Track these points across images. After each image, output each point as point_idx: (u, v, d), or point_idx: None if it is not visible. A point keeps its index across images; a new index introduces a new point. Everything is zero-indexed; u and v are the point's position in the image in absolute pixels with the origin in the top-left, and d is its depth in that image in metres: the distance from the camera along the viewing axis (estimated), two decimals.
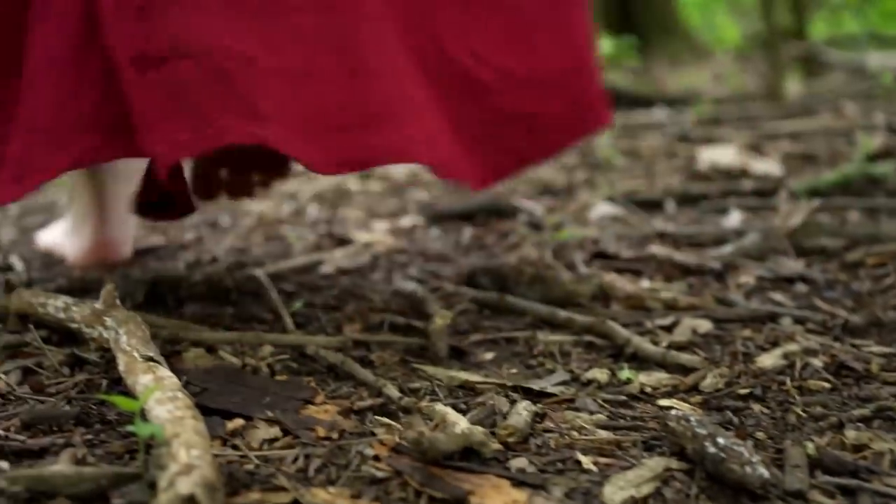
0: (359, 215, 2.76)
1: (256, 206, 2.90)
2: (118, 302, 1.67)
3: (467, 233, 2.50)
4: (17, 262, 2.31)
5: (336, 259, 2.28)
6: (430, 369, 1.64)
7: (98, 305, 1.66)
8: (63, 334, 1.77)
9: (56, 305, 1.72)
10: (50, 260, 2.38)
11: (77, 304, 1.69)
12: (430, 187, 3.10)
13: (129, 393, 1.44)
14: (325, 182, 3.23)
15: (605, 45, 5.63)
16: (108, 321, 1.63)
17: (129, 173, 2.33)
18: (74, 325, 1.69)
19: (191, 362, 1.66)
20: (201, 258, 2.33)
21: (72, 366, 1.66)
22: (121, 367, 1.51)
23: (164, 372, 1.42)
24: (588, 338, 1.76)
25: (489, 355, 1.71)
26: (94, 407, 1.48)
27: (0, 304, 1.87)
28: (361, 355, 1.72)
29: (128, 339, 1.57)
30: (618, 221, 2.56)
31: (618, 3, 6.30)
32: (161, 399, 1.28)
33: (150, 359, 1.49)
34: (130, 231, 2.35)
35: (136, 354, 1.51)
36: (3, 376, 1.61)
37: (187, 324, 1.85)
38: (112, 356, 1.61)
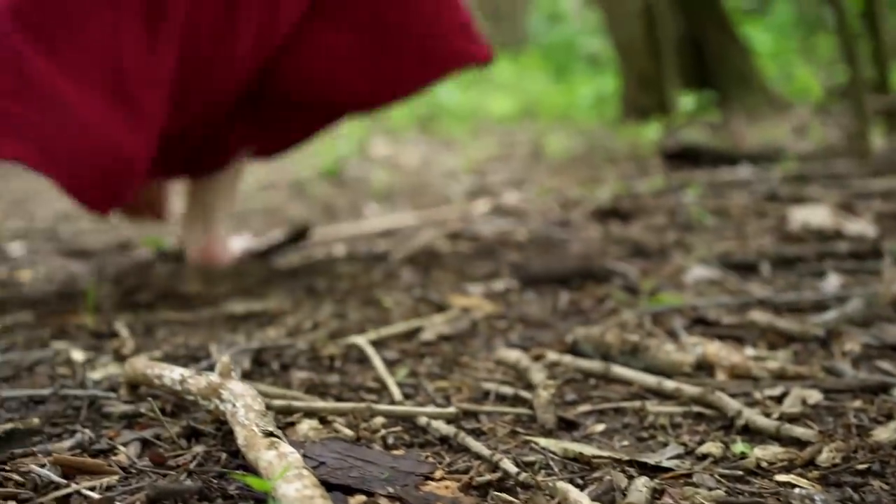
0: (451, 278, 2.78)
1: (349, 269, 2.93)
2: (234, 374, 1.69)
3: (563, 297, 2.50)
4: (122, 329, 2.35)
5: (436, 325, 2.30)
6: (542, 441, 1.65)
7: (214, 378, 1.69)
8: (175, 403, 1.80)
9: (172, 377, 1.75)
10: (152, 322, 2.42)
11: (193, 377, 1.72)
12: (520, 248, 3.12)
13: (249, 468, 1.47)
14: (415, 243, 3.26)
15: (685, 101, 5.63)
16: (225, 394, 1.66)
17: (227, 190, 3.15)
18: (191, 397, 1.72)
19: (305, 434, 1.68)
20: (302, 325, 2.36)
21: (188, 437, 1.68)
22: (240, 441, 1.54)
23: (286, 448, 1.44)
24: (697, 409, 1.76)
25: (599, 427, 1.72)
26: (214, 481, 1.50)
27: (111, 373, 1.91)
28: (472, 427, 1.73)
29: (245, 413, 1.59)
30: (714, 285, 2.55)
31: (694, 58, 6.30)
32: (288, 477, 1.30)
33: (271, 434, 1.51)
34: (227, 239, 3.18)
35: (255, 429, 1.53)
36: (122, 448, 1.64)
37: (298, 394, 1.87)
38: (228, 428, 1.64)
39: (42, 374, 2.06)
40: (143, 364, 1.84)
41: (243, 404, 1.61)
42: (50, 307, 2.61)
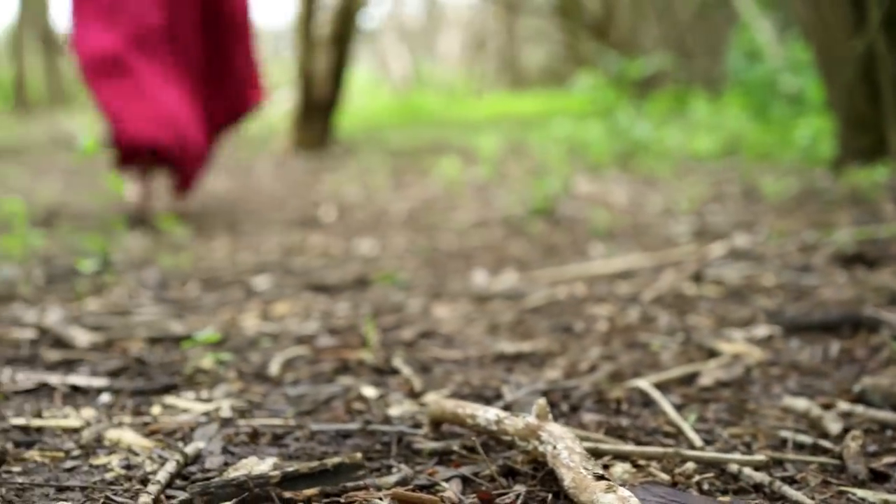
0: (709, 323, 2.78)
1: (604, 311, 2.96)
2: (550, 416, 1.74)
3: (833, 346, 2.48)
4: (402, 366, 2.42)
5: (711, 371, 2.31)
6: (858, 492, 1.64)
7: (531, 419, 1.73)
8: (483, 443, 1.85)
9: (487, 418, 1.80)
10: (423, 360, 2.49)
11: (510, 418, 1.77)
12: (769, 294, 3.10)
13: None
14: (660, 285, 3.27)
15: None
16: (544, 435, 1.70)
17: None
18: (507, 438, 1.76)
19: (621, 478, 1.71)
20: (577, 366, 2.39)
21: (505, 476, 1.73)
22: (566, 483, 1.58)
23: (624, 492, 1.48)
24: None
25: None
26: None
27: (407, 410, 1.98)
28: (781, 475, 1.73)
29: (569, 455, 1.63)
30: None
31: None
32: None
33: (602, 477, 1.54)
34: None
35: (583, 471, 1.57)
36: (445, 484, 1.70)
37: (599, 436, 1.90)
38: (548, 469, 1.68)
39: (338, 409, 2.14)
40: (452, 403, 1.90)
41: (564, 446, 1.66)
42: (319, 342, 2.71)
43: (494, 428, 1.79)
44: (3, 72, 19.22)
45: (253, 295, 3.46)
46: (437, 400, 1.96)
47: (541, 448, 1.70)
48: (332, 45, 9.10)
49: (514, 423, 1.76)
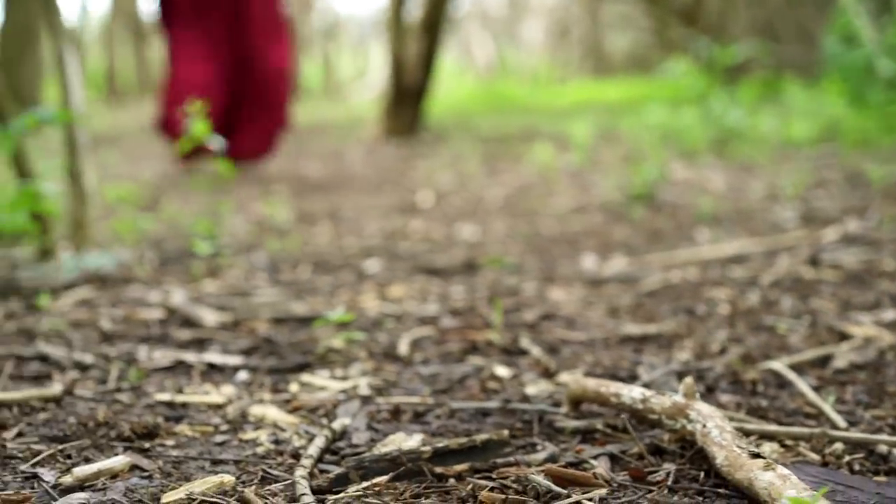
0: (832, 306, 2.76)
1: (723, 295, 2.95)
2: (698, 395, 1.74)
3: None
4: (531, 346, 2.44)
5: (844, 353, 2.29)
6: None
7: (679, 398, 1.74)
8: (624, 420, 1.86)
9: (632, 396, 1.81)
10: (548, 341, 2.51)
11: (656, 396, 1.77)
12: (892, 277, 3.06)
13: (728, 487, 1.52)
14: (777, 269, 3.25)
15: None
16: (693, 414, 1.71)
17: None
18: (654, 416, 1.77)
19: (769, 457, 1.70)
20: (707, 348, 2.39)
21: (652, 454, 1.74)
22: (718, 461, 1.58)
23: (783, 469, 1.48)
24: None
25: None
26: (697, 498, 1.55)
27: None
28: None
29: (720, 433, 1.63)
30: None
31: None
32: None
33: (757, 455, 1.54)
34: None
35: (737, 450, 1.57)
36: (593, 462, 1.71)
37: (741, 416, 1.90)
38: (696, 448, 1.68)
39: (473, 388, 2.16)
40: (593, 382, 1.91)
41: (714, 425, 1.66)
42: (442, 323, 2.73)
43: (640, 407, 1.79)
44: (95, 62, 19.57)
45: (365, 278, 3.49)
46: (577, 379, 1.97)
47: (689, 427, 1.70)
48: (423, 32, 9.13)
49: (661, 401, 1.76)
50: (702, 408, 1.71)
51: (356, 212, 5.37)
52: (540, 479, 1.58)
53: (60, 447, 1.81)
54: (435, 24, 9.19)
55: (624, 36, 19.05)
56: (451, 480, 1.65)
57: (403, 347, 2.47)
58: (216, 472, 1.71)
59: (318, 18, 20.90)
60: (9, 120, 3.56)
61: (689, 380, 1.75)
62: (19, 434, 1.90)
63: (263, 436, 1.89)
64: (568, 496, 1.54)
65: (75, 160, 3.93)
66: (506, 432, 1.75)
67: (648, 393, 1.79)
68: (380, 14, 19.25)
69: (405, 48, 9.24)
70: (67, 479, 1.66)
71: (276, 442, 1.87)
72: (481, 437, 1.73)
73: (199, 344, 2.57)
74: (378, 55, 19.44)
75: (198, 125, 3.87)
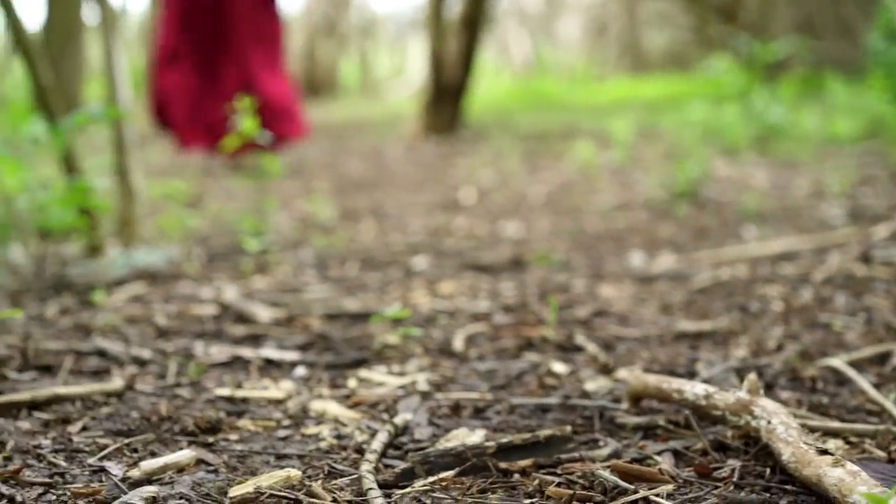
0: (886, 304, 2.74)
1: (775, 292, 2.94)
2: (762, 391, 1.74)
3: None
4: (586, 343, 2.44)
5: None
6: None
7: (742, 395, 1.73)
8: (687, 417, 1.86)
9: (695, 392, 1.81)
10: (601, 337, 2.50)
11: (720, 393, 1.77)
12: None
13: (795, 483, 1.51)
14: (828, 266, 3.23)
15: None
16: (757, 410, 1.70)
17: None
18: (717, 412, 1.77)
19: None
20: (764, 345, 2.38)
21: (716, 450, 1.73)
22: (784, 457, 1.58)
23: (853, 466, 1.47)
24: None
25: None
26: (764, 494, 1.54)
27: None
28: None
29: (785, 430, 1.63)
30: None
31: None
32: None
33: (825, 451, 1.54)
34: None
35: (803, 446, 1.57)
36: (657, 458, 1.71)
37: (803, 412, 1.90)
38: (761, 444, 1.68)
39: (531, 384, 2.16)
40: (654, 378, 1.91)
41: (780, 421, 1.66)
42: (495, 319, 2.74)
43: (703, 403, 1.79)
44: (133, 60, 19.65)
45: (413, 274, 3.50)
46: (637, 375, 1.97)
47: (754, 423, 1.70)
48: (462, 28, 9.12)
49: (725, 397, 1.76)
50: (766, 404, 1.70)
51: (399, 209, 5.38)
52: (606, 474, 1.58)
53: (126, 441, 1.82)
54: (475, 20, 9.18)
55: (661, 33, 18.97)
56: (516, 476, 1.65)
57: (458, 343, 2.47)
58: (281, 467, 1.72)
59: (356, 16, 20.93)
60: (58, 118, 3.59)
61: (752, 376, 1.74)
62: (84, 428, 1.92)
63: (325, 431, 1.90)
64: (635, 492, 1.54)
65: (123, 157, 3.96)
66: (568, 428, 1.75)
67: (711, 389, 1.79)
68: (417, 12, 19.28)
69: (445, 45, 9.25)
70: (135, 473, 1.68)
71: (339, 437, 1.88)
72: (544, 432, 1.73)
73: (254, 340, 2.58)
74: (415, 53, 19.47)
75: (246, 122, 3.89)
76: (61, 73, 11.45)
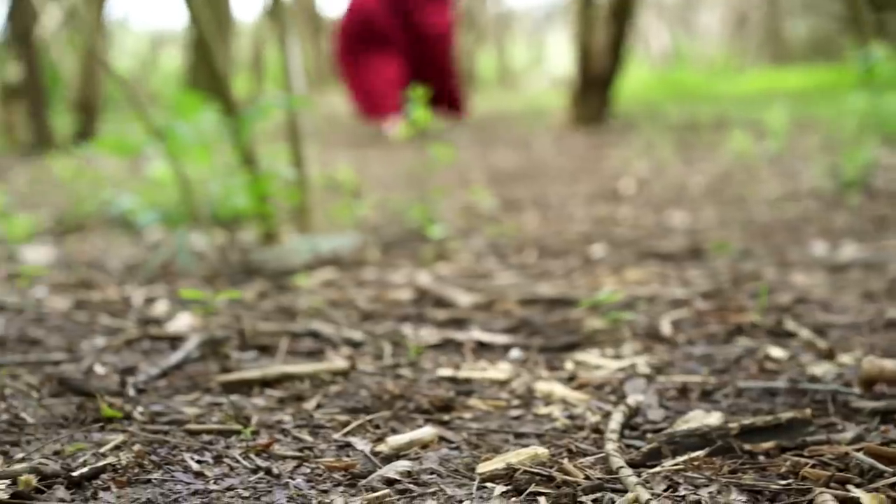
0: None
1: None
2: None
3: None
4: (799, 329, 2.41)
5: None
6: None
7: None
8: None
9: None
10: (815, 325, 2.48)
11: None
12: None
13: None
14: None
15: None
16: None
17: None
18: None
19: None
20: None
21: None
22: None
23: None
24: None
25: None
26: None
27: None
28: None
29: None
30: None
31: None
32: None
33: None
34: None
35: None
36: None
37: None
38: None
39: (751, 368, 2.15)
40: (892, 363, 1.89)
41: None
42: (696, 304, 2.73)
43: None
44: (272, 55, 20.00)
45: (593, 262, 3.50)
46: (872, 360, 1.94)
47: None
48: (611, 18, 9.07)
49: None
50: None
51: (559, 199, 5.38)
52: (861, 456, 1.57)
53: (368, 418, 1.87)
54: (624, 10, 9.13)
55: (805, 22, 18.59)
56: (761, 457, 1.65)
57: (666, 328, 2.47)
58: (522, 445, 1.74)
59: (493, 9, 20.97)
60: (235, 109, 3.68)
61: None
62: (318, 405, 1.97)
63: (556, 411, 1.92)
64: (894, 474, 1.52)
65: (298, 147, 4.04)
66: (808, 411, 1.74)
67: None
68: (555, 5, 19.24)
69: (593, 36, 9.21)
70: (383, 448, 1.72)
71: (571, 417, 1.89)
72: (785, 415, 1.72)
73: (458, 323, 2.62)
74: (551, 45, 19.42)
75: (418, 111, 3.94)
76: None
